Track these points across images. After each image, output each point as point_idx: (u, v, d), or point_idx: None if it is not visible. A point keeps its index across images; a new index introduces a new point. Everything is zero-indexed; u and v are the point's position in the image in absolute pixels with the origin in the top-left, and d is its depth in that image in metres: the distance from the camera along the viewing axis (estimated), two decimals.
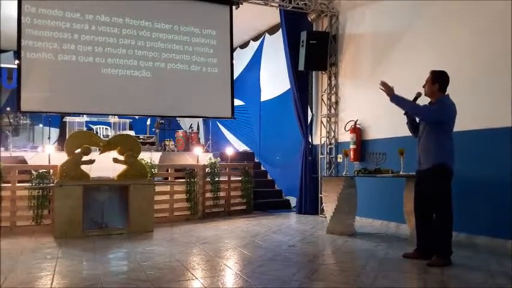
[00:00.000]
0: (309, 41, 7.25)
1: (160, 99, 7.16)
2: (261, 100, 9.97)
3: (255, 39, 10.29)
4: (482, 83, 5.04)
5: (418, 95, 4.22)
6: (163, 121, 9.61)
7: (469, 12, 5.22)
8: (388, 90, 4.15)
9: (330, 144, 7.64)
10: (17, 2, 6.25)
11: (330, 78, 7.63)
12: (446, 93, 4.11)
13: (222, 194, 7.35)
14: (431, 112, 4.08)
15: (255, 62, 10.24)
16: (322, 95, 7.75)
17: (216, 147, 10.44)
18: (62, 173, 5.58)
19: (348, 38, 7.35)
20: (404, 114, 4.32)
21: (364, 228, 6.03)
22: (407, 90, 5.86)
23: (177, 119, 11.28)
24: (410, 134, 4.42)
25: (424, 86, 4.18)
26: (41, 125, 9.52)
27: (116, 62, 6.85)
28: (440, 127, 4.02)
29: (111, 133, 9.26)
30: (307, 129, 7.81)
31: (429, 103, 4.17)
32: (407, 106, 4.16)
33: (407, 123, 4.37)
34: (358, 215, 6.11)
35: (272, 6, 7.48)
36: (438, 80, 4.08)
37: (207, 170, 7.20)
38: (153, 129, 9.77)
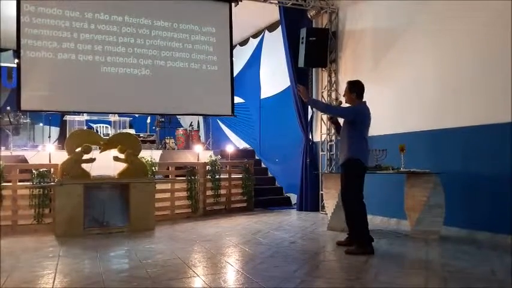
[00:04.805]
0: (308, 37, 7.23)
1: (160, 97, 7.15)
2: (261, 97, 9.96)
3: (255, 36, 10.26)
4: (480, 79, 5.02)
5: (339, 103, 4.72)
6: (163, 119, 9.60)
7: (469, 9, 5.20)
8: (304, 93, 4.45)
9: (331, 141, 7.63)
10: (15, 0, 6.24)
11: (330, 75, 7.62)
12: (364, 99, 4.47)
13: (222, 191, 7.35)
14: (345, 111, 4.49)
15: (255, 59, 10.22)
16: (323, 92, 7.74)
17: (217, 144, 10.43)
18: (63, 172, 5.59)
19: (347, 34, 7.33)
20: (329, 120, 4.72)
21: None
22: (407, 85, 5.86)
23: (177, 117, 11.27)
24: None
25: (344, 96, 4.56)
26: (41, 124, 9.52)
27: (115, 61, 6.83)
28: (353, 127, 4.37)
29: (111, 132, 9.25)
30: (307, 126, 7.81)
31: None
32: (322, 107, 4.89)
33: (333, 128, 4.77)
34: None
35: (271, 3, 7.47)
36: (354, 88, 4.45)
37: (207, 167, 7.20)
38: (154, 128, 9.77)
